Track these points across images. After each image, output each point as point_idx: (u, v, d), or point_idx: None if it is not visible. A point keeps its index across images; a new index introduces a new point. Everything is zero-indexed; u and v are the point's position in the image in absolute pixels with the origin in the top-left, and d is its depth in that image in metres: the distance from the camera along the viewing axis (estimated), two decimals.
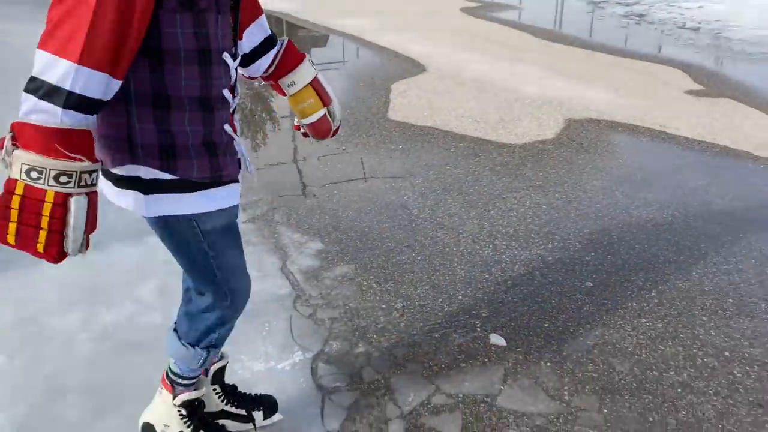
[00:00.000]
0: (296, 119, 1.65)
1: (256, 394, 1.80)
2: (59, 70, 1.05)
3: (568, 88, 5.21)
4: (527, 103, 4.80)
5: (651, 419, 1.81)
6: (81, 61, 1.05)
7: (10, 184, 1.08)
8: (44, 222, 1.09)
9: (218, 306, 1.47)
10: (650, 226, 2.93)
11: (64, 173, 1.08)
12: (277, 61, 1.55)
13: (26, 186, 1.07)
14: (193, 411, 1.61)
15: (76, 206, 1.10)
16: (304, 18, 8.87)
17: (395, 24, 8.30)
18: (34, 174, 1.07)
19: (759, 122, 4.34)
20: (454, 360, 2.06)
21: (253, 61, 1.53)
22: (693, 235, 2.85)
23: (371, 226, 2.95)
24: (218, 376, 1.72)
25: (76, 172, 1.09)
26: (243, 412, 1.75)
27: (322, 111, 1.61)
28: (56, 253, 1.11)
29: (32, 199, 1.08)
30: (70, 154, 1.08)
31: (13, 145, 1.08)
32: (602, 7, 9.64)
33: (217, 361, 1.69)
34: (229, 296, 1.46)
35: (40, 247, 1.10)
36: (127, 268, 2.53)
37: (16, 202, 1.08)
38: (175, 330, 1.54)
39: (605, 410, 1.84)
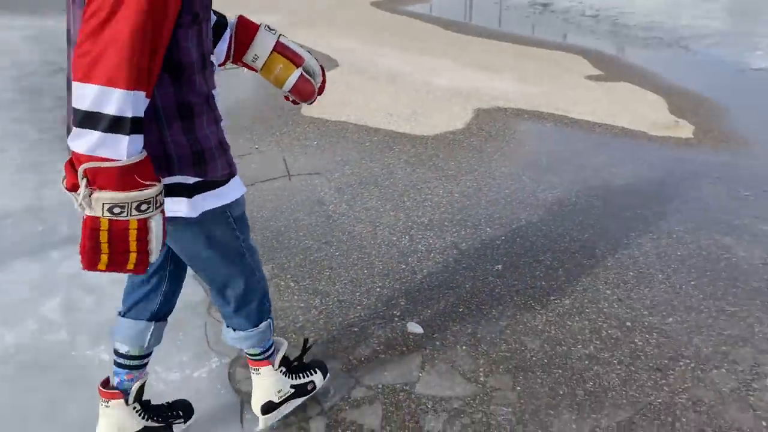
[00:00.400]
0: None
1: (168, 403, 1.76)
2: (116, 100, 1.08)
3: (476, 78, 5.34)
4: (438, 95, 4.89)
5: (561, 392, 1.90)
6: (130, 87, 1.08)
7: (94, 222, 1.13)
8: (132, 246, 1.17)
9: (253, 287, 1.57)
10: (556, 207, 3.07)
11: (144, 202, 1.14)
12: (232, 41, 1.53)
13: (110, 221, 1.13)
14: (287, 361, 1.77)
15: (156, 225, 1.18)
16: None
17: (306, 19, 8.23)
18: (116, 210, 1.13)
19: (653, 103, 4.61)
20: (373, 352, 2.08)
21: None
22: (596, 213, 3.00)
23: (287, 224, 2.93)
24: (139, 394, 1.66)
25: (153, 197, 1.15)
26: (163, 424, 1.71)
27: (297, 72, 1.56)
28: (145, 268, 1.21)
29: (118, 230, 1.14)
30: (145, 183, 1.14)
31: (88, 187, 1.11)
32: None
33: (138, 380, 1.64)
34: (257, 271, 1.57)
35: (130, 266, 1.19)
36: (29, 285, 2.40)
37: (104, 236, 1.14)
38: (234, 329, 1.62)
39: (518, 388, 1.92)
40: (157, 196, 1.17)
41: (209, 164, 1.34)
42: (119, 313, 1.62)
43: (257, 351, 1.69)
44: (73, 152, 1.11)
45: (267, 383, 1.73)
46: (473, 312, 2.27)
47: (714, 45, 6.36)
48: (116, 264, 1.18)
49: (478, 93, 4.93)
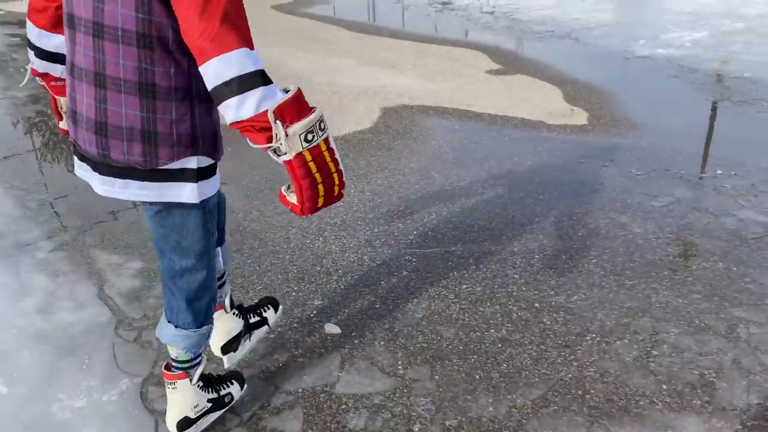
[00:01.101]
0: None
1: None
2: (250, 58, 1.19)
3: (382, 77, 5.39)
4: (345, 96, 4.90)
5: (477, 377, 1.95)
6: (250, 45, 1.21)
7: (300, 158, 1.24)
8: (331, 167, 1.28)
9: (209, 284, 1.58)
10: (464, 199, 3.14)
11: (320, 120, 1.26)
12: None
13: (310, 151, 1.24)
14: (207, 377, 1.75)
15: (333, 141, 1.30)
16: None
17: None
18: (309, 136, 1.24)
19: (549, 94, 4.81)
20: (291, 357, 2.06)
21: None
22: (501, 202, 3.09)
23: None
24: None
25: (322, 116, 1.27)
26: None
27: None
28: (344, 187, 1.34)
29: (317, 156, 1.26)
30: (310, 106, 1.27)
31: (284, 128, 1.20)
32: None
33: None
34: (213, 269, 1.60)
35: (336, 189, 1.32)
36: None
37: (313, 167, 1.25)
38: (175, 326, 1.58)
39: (437, 377, 1.95)
40: (322, 116, 1.28)
41: (220, 147, 1.44)
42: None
43: (187, 357, 1.65)
44: (247, 119, 1.20)
45: (183, 398, 1.68)
46: (390, 307, 2.29)
47: (602, 36, 6.73)
48: (328, 191, 1.31)
49: (383, 91, 4.98)
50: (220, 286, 1.80)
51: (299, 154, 1.24)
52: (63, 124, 1.67)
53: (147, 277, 2.52)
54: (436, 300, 2.33)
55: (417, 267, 2.55)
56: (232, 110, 1.20)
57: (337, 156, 1.31)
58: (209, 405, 1.73)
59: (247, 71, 1.18)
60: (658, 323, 2.17)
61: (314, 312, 2.28)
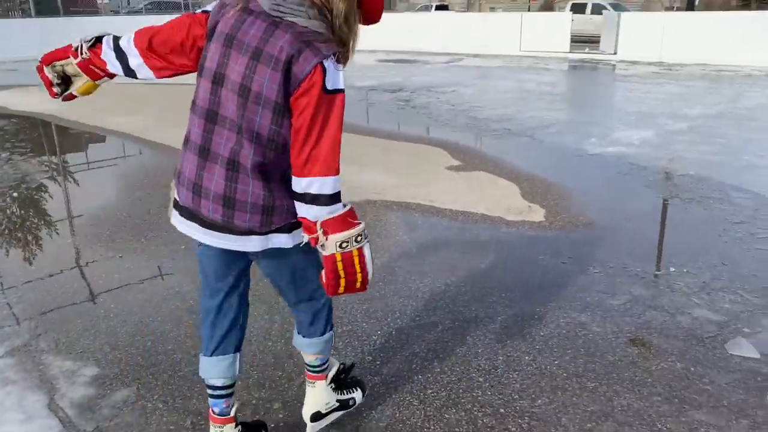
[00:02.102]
0: None
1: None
2: (337, 182, 1.60)
3: (346, 173, 5.45)
4: None
5: None
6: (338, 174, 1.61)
7: (330, 258, 1.62)
8: (357, 269, 1.65)
9: (326, 301, 1.99)
10: (428, 296, 3.17)
11: (359, 234, 1.63)
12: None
13: (341, 254, 1.61)
14: (338, 381, 2.15)
15: (367, 251, 1.67)
16: (73, 118, 8.36)
17: (172, 120, 8.17)
18: (344, 244, 1.61)
19: (507, 190, 4.98)
20: None
21: None
22: (464, 299, 3.12)
23: (155, 338, 2.78)
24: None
25: (363, 231, 1.64)
26: None
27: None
28: (367, 286, 1.71)
29: (347, 259, 1.62)
30: (354, 222, 1.63)
31: (324, 235, 1.60)
32: (375, 91, 10.50)
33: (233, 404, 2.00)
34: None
35: (359, 285, 1.69)
36: None
37: (340, 266, 1.63)
38: (306, 336, 2.01)
39: None
40: (363, 230, 1.65)
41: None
42: (205, 355, 1.92)
43: (317, 363, 2.06)
44: (307, 218, 1.62)
45: (318, 396, 2.10)
46: (353, 415, 2.24)
47: (556, 134, 7.07)
48: (349, 285, 1.67)
49: (348, 187, 5.03)
50: (232, 394, 2.04)
51: (331, 255, 1.62)
52: (48, 73, 1.89)
53: (102, 384, 2.43)
54: (400, 407, 2.29)
55: (380, 370, 2.52)
56: (303, 210, 1.62)
57: (366, 262, 1.67)
58: (337, 404, 2.13)
59: (327, 193, 1.59)
60: (621, 427, 2.17)
61: (274, 421, 2.22)
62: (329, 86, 1.54)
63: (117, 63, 1.80)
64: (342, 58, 1.59)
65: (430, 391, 2.39)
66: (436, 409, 2.28)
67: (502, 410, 2.27)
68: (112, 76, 1.88)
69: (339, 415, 2.16)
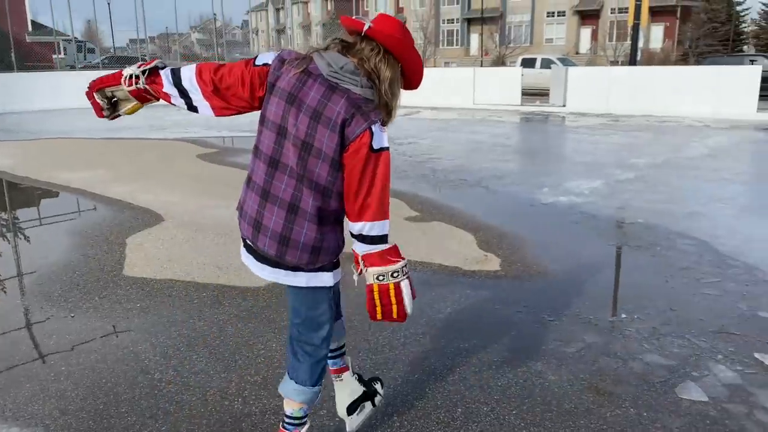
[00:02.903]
0: None
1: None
2: (386, 226, 1.89)
3: None
4: None
5: None
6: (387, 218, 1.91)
7: (370, 287, 1.92)
8: (393, 300, 1.91)
9: (326, 345, 2.12)
10: (387, 349, 3.17)
11: (398, 270, 1.91)
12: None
13: (378, 285, 1.90)
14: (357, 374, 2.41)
15: (405, 286, 1.93)
16: (24, 174, 8.21)
17: (128, 174, 8.11)
18: (380, 277, 1.89)
19: (463, 240, 5.07)
20: None
21: None
22: (422, 351, 3.14)
23: (107, 401, 2.70)
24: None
25: (401, 268, 1.92)
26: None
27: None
28: (404, 317, 1.96)
29: (383, 291, 1.90)
30: (394, 260, 1.90)
31: (366, 267, 1.90)
32: None
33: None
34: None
35: (395, 315, 1.95)
36: None
37: (377, 296, 1.91)
38: (293, 380, 2.10)
39: None
40: (402, 267, 1.92)
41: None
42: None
43: (300, 414, 2.15)
44: (357, 251, 1.93)
45: (348, 388, 2.33)
46: None
47: (510, 184, 7.27)
48: (386, 314, 1.95)
49: None
50: (342, 354, 2.35)
51: (370, 285, 1.92)
52: (98, 97, 2.09)
53: None
54: None
55: (340, 428, 2.50)
56: (355, 246, 1.92)
57: (404, 295, 1.92)
58: (362, 391, 2.35)
59: (378, 234, 1.88)
60: None
61: None
62: (375, 146, 1.83)
63: (181, 99, 2.04)
64: (386, 120, 1.89)
65: None
66: None
67: None
68: (167, 99, 2.08)
69: (370, 410, 2.39)
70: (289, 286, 2.02)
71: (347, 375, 2.34)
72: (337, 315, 2.27)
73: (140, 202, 6.48)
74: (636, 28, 17.50)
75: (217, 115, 2.03)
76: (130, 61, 26.17)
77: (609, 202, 6.28)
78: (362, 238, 1.88)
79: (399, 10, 61.08)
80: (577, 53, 45.72)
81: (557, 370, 2.95)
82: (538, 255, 4.68)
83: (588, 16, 47.42)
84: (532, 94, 20.90)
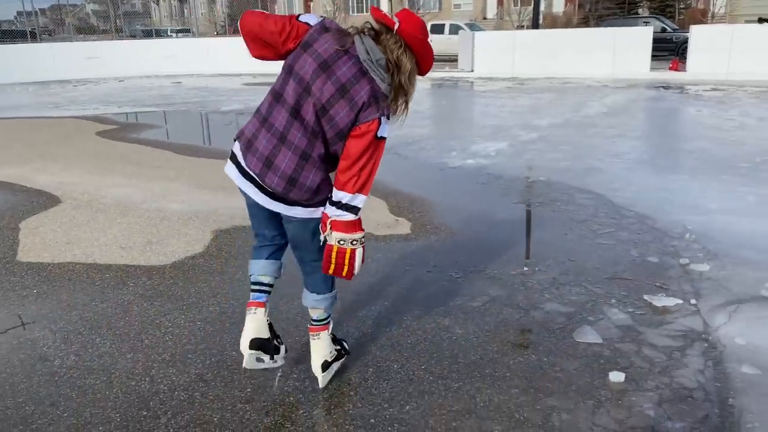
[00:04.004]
0: None
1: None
2: (364, 201, 2.17)
3: (213, 200, 5.40)
4: (174, 221, 4.83)
5: None
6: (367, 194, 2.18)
7: (329, 248, 2.20)
8: (346, 262, 2.20)
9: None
10: (299, 318, 3.17)
11: (356, 239, 2.19)
12: None
13: (338, 248, 2.18)
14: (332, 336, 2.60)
15: (359, 254, 2.22)
16: None
17: (20, 155, 7.60)
18: (341, 242, 2.17)
19: (375, 206, 5.10)
20: None
21: None
22: (334, 316, 3.12)
23: (3, 392, 2.56)
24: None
25: (360, 238, 2.21)
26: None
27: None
28: (351, 277, 2.25)
29: (340, 253, 2.18)
30: (358, 229, 2.20)
31: (330, 231, 2.17)
32: (242, 116, 10.36)
33: None
34: None
35: (344, 273, 2.23)
36: None
37: (333, 256, 2.19)
38: (315, 292, 2.46)
39: None
40: (361, 238, 2.21)
41: None
42: (259, 258, 2.53)
43: (324, 316, 2.50)
44: (326, 213, 2.19)
45: (323, 346, 2.51)
46: None
47: (420, 149, 7.36)
48: (337, 272, 2.23)
49: (216, 214, 4.98)
50: (269, 293, 2.55)
51: (330, 245, 2.20)
52: None
53: None
54: (272, 431, 2.28)
55: (252, 397, 2.50)
56: (329, 211, 2.18)
57: (356, 261, 2.21)
58: (336, 353, 2.56)
59: (357, 206, 2.17)
60: (483, 422, 2.31)
61: None
62: (379, 134, 2.12)
63: None
64: (396, 110, 2.22)
65: (301, 411, 2.40)
66: (308, 428, 2.29)
67: (372, 420, 2.33)
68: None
69: (339, 365, 2.59)
70: (288, 220, 2.31)
71: (325, 334, 2.53)
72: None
73: (35, 184, 6.09)
74: None
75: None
76: (17, 35, 24.17)
77: (514, 163, 6.50)
78: (340, 205, 2.13)
79: None
80: (485, 18, 46.43)
81: (464, 324, 3.05)
82: (446, 217, 4.79)
83: None
84: (441, 60, 21.11)
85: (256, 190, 2.23)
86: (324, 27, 2.13)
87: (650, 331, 2.95)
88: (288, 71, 2.15)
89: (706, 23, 31.96)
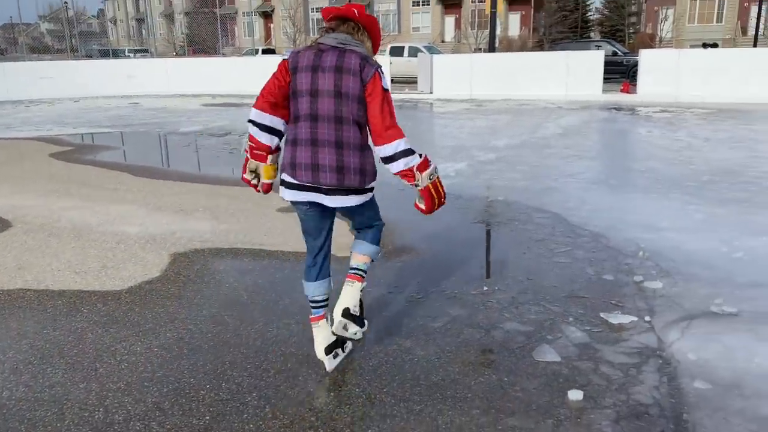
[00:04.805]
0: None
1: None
2: (407, 142, 2.56)
3: (171, 222, 5.32)
4: (131, 244, 4.72)
5: None
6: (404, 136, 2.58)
7: (426, 189, 2.63)
8: (441, 192, 2.72)
9: (381, 226, 2.93)
10: (259, 342, 3.14)
11: (435, 169, 2.66)
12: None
13: (432, 183, 2.64)
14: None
15: (440, 180, 2.71)
16: None
17: None
18: (431, 176, 2.63)
19: (337, 227, 5.08)
20: None
21: None
22: (296, 341, 3.14)
23: None
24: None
25: (435, 167, 2.67)
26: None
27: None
28: (444, 200, 2.78)
29: (435, 186, 2.66)
30: (429, 164, 2.64)
31: (419, 172, 2.60)
32: (202, 136, 10.25)
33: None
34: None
35: (444, 198, 2.75)
36: None
37: (434, 191, 2.67)
38: (367, 241, 2.87)
39: None
40: (435, 168, 2.64)
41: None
42: (311, 281, 2.86)
43: (365, 267, 2.87)
44: (404, 169, 2.57)
45: (353, 294, 2.82)
46: None
47: (380, 170, 7.39)
48: (440, 202, 2.67)
49: (173, 237, 4.89)
50: (325, 306, 2.90)
51: (426, 186, 2.60)
52: (247, 176, 2.73)
53: None
54: None
55: (210, 426, 2.45)
56: (400, 165, 2.54)
57: (442, 185, 2.68)
58: (357, 313, 2.83)
59: (407, 148, 2.53)
60: None
61: None
62: (384, 87, 2.53)
63: (268, 134, 2.62)
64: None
65: None
66: None
67: None
68: (268, 148, 2.65)
69: (355, 330, 2.83)
70: (350, 208, 2.71)
71: (358, 285, 2.84)
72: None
73: None
74: (493, 16, 18.38)
75: (284, 118, 2.63)
76: None
77: (473, 182, 6.59)
78: (395, 157, 2.52)
79: None
80: (443, 41, 47.20)
81: (425, 345, 3.06)
82: (407, 237, 4.81)
83: (451, 6, 48.97)
84: (401, 81, 21.37)
85: (316, 194, 2.60)
86: (296, 52, 2.60)
87: (607, 348, 3.01)
88: (294, 96, 2.57)
89: (654, 47, 33.24)
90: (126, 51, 40.33)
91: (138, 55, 36.01)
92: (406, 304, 3.56)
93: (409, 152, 2.52)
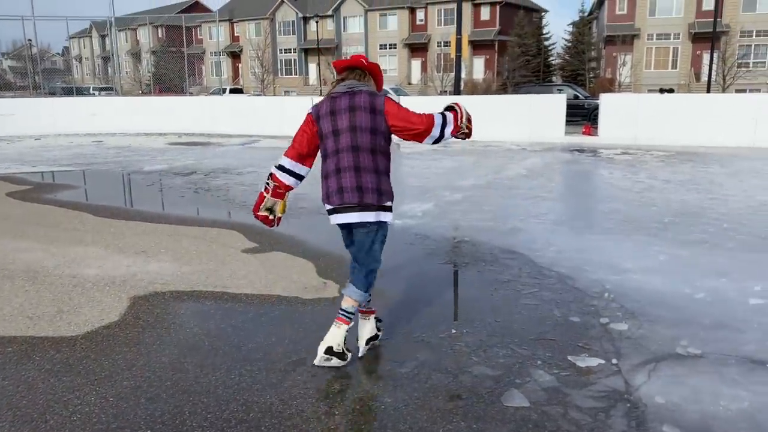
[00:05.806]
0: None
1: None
2: (440, 119, 3.22)
3: (131, 264, 5.17)
4: (88, 288, 4.56)
5: None
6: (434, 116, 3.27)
7: (461, 126, 3.27)
8: (471, 123, 3.34)
9: (376, 269, 3.31)
10: (220, 390, 3.02)
11: (469, 116, 3.33)
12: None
13: (467, 125, 3.28)
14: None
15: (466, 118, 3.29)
16: None
17: None
18: (465, 120, 3.26)
19: (303, 268, 5.04)
20: None
21: None
22: (258, 389, 3.04)
23: None
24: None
25: (466, 111, 3.32)
26: None
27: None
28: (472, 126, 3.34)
29: (470, 120, 3.31)
30: (461, 112, 3.29)
31: (464, 123, 3.28)
32: (166, 176, 10.10)
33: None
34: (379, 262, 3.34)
35: (472, 133, 3.36)
36: None
37: (465, 125, 3.29)
38: (354, 285, 3.28)
39: None
40: (462, 113, 3.22)
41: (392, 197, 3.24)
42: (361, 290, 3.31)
43: (352, 310, 3.24)
44: (450, 132, 3.19)
45: (339, 334, 3.21)
46: None
47: None
48: (469, 133, 3.28)
49: (133, 279, 4.75)
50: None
51: (465, 125, 3.23)
52: (262, 212, 3.37)
53: None
54: None
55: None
56: (447, 135, 3.15)
57: (468, 122, 3.24)
58: (341, 350, 3.25)
59: (438, 123, 3.13)
60: None
61: None
62: (396, 101, 3.16)
63: (294, 179, 3.29)
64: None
65: None
66: None
67: None
68: (290, 188, 3.33)
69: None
70: (359, 227, 3.17)
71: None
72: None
73: None
74: (458, 60, 18.82)
75: (309, 166, 3.30)
76: None
77: (439, 223, 6.61)
78: (441, 136, 3.12)
79: (234, 39, 60.36)
80: (410, 83, 48.06)
81: (393, 392, 2.99)
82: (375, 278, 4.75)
83: (417, 49, 50.08)
84: None
85: (344, 214, 3.12)
86: (316, 105, 3.17)
87: (575, 392, 2.99)
88: (321, 138, 3.15)
89: (614, 91, 34.38)
90: (91, 89, 39.95)
91: (103, 93, 35.71)
92: (373, 349, 3.48)
93: (443, 125, 3.11)
